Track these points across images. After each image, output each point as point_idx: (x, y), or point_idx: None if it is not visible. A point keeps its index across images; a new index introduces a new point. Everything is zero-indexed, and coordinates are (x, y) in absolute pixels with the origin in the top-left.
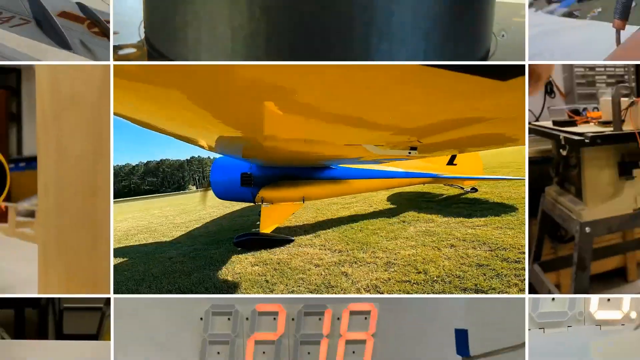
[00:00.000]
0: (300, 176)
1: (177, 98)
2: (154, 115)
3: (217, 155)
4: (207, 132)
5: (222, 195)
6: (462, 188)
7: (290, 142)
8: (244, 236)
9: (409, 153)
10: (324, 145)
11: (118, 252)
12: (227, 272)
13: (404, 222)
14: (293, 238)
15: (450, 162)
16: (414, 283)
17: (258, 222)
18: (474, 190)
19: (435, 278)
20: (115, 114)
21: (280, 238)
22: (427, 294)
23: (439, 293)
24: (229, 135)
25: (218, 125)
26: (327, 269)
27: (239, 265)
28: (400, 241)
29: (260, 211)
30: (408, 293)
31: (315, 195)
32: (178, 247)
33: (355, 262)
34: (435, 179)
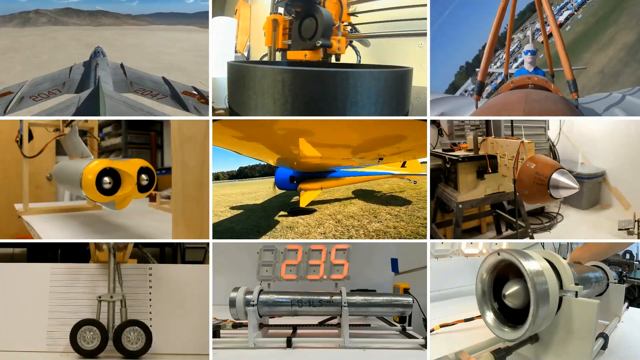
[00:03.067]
0: (319, 176)
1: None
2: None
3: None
4: (271, 157)
5: (280, 187)
6: (410, 180)
7: (313, 159)
8: (293, 208)
9: (378, 161)
10: (330, 160)
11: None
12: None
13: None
14: (316, 209)
15: (403, 165)
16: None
17: (295, 199)
18: (415, 182)
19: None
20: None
21: (311, 209)
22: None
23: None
24: (282, 157)
25: (275, 155)
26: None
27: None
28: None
29: (300, 194)
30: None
31: (327, 186)
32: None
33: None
34: (394, 175)
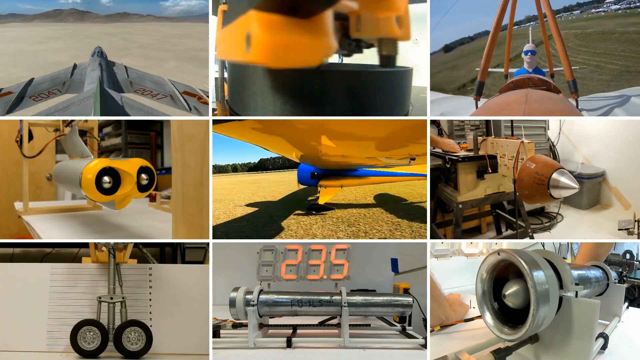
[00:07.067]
0: (340, 174)
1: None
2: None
3: None
4: (294, 153)
5: (302, 183)
6: None
7: (334, 157)
8: (312, 205)
9: (409, 162)
10: (351, 158)
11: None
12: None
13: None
14: (334, 207)
15: None
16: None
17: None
18: None
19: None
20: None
21: (329, 207)
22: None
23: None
24: (305, 154)
25: (298, 151)
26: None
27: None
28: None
29: (319, 191)
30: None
31: (348, 184)
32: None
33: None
34: (423, 177)
